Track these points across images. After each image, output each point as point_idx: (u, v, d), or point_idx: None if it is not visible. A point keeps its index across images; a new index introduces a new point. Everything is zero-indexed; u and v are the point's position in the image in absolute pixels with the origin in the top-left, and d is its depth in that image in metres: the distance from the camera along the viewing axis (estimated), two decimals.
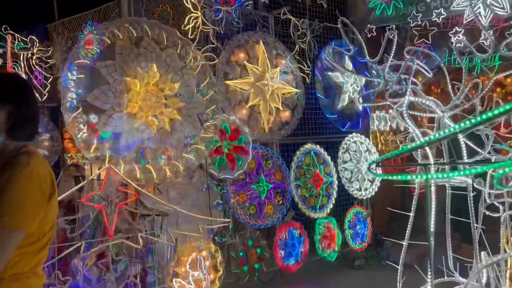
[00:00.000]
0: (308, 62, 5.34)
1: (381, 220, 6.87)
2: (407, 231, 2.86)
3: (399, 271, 2.82)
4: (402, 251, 2.94)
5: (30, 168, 1.54)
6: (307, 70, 5.31)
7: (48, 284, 2.72)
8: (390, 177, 3.76)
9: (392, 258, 5.97)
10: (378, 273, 5.57)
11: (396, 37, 2.97)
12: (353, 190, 5.82)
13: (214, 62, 4.33)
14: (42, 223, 1.60)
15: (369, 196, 6.04)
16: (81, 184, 2.87)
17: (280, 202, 4.93)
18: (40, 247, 1.63)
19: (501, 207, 3.12)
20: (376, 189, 6.14)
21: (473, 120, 1.12)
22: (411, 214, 2.74)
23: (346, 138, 5.83)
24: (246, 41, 4.67)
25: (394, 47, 2.92)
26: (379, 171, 4.52)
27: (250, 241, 4.66)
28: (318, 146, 5.50)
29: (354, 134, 5.93)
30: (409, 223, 2.91)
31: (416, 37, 5.85)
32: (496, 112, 1.03)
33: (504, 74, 3.11)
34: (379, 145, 6.85)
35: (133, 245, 2.78)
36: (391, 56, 2.90)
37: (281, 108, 4.88)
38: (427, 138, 1.35)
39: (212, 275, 4.25)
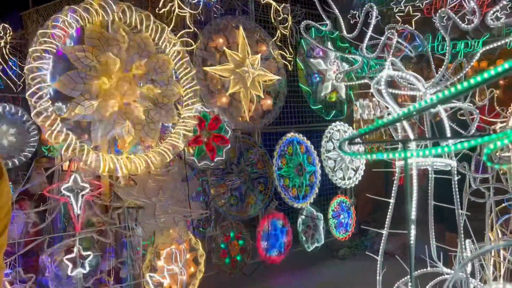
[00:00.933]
0: (290, 48, 5.20)
1: (365, 210, 6.83)
2: (387, 220, 2.75)
3: (379, 261, 2.72)
4: (382, 240, 2.83)
5: None
6: (289, 57, 5.17)
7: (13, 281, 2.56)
8: (364, 156, 3.67)
9: (376, 248, 5.94)
10: (362, 262, 5.52)
11: (375, 10, 2.83)
12: (336, 180, 5.75)
13: (192, 48, 4.16)
14: None
15: (353, 185, 5.97)
16: (46, 174, 2.70)
17: (263, 192, 4.81)
18: None
19: (486, 193, 3.05)
20: (360, 178, 6.08)
21: (453, 89, 1.01)
22: (391, 201, 2.63)
23: (330, 127, 5.74)
24: (225, 26, 4.50)
25: (373, 21, 2.78)
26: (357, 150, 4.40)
27: (232, 232, 4.55)
28: (301, 135, 5.39)
29: (337, 122, 5.84)
30: (389, 211, 2.80)
31: (400, 23, 5.76)
32: (478, 79, 0.93)
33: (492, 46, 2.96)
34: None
35: (102, 239, 2.63)
36: (370, 31, 2.75)
37: (263, 96, 4.75)
38: (404, 111, 1.23)
39: (192, 268, 4.13)
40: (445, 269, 2.59)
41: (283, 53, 5.10)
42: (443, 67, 2.42)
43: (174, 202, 3.96)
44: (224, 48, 4.44)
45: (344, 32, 2.93)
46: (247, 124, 4.66)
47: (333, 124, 5.78)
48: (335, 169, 5.75)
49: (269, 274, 4.94)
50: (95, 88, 3.30)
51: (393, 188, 2.34)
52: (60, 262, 2.58)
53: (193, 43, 4.20)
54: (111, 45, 3.40)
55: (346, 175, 5.84)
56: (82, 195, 2.65)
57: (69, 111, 3.20)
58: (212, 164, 4.29)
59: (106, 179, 3.07)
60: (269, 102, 4.85)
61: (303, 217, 5.31)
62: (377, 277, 2.74)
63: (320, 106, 5.50)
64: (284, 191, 5.06)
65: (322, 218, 5.55)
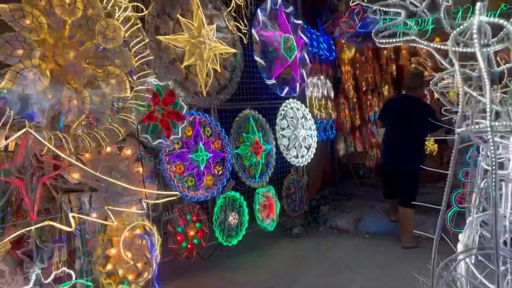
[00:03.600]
0: (245, 20, 4.93)
1: (314, 187, 6.87)
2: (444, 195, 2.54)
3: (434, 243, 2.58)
4: (438, 224, 2.63)
5: None
6: (244, 29, 4.91)
7: None
8: None
9: (329, 224, 6.01)
10: (316, 239, 5.54)
11: None
12: (290, 158, 5.66)
13: (143, 14, 3.75)
14: None
15: (306, 163, 5.93)
16: None
17: (220, 172, 4.58)
18: None
19: None
20: (312, 156, 6.05)
21: None
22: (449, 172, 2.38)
23: (284, 104, 5.61)
24: None
25: None
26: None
27: (189, 215, 4.28)
28: (257, 112, 5.20)
29: (291, 100, 5.72)
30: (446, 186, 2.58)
31: None
32: None
33: None
34: (315, 112, 6.76)
35: (64, 227, 2.25)
36: None
37: (219, 70, 4.46)
38: None
39: (148, 254, 3.83)
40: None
41: (238, 24, 4.82)
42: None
43: (127, 184, 3.60)
44: (178, 15, 4.07)
45: None
46: (204, 100, 4.36)
47: (287, 101, 5.66)
48: (289, 147, 5.66)
49: (226, 256, 4.77)
50: (35, 54, 2.83)
51: (451, 159, 2.12)
52: (5, 256, 2.17)
53: (144, 9, 3.78)
54: (54, 5, 2.93)
55: (299, 153, 5.77)
56: (37, 177, 2.24)
57: (6, 81, 2.71)
58: (168, 142, 3.96)
59: (50, 160, 2.66)
60: (226, 76, 4.58)
61: (259, 196, 5.18)
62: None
63: (275, 82, 5.32)
64: (241, 170, 4.87)
65: (276, 196, 5.46)
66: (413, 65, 9.82)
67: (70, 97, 3.04)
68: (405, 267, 4.42)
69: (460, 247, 1.98)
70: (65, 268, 2.45)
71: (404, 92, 5.27)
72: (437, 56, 1.93)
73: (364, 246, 5.17)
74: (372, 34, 2.14)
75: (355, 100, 9.74)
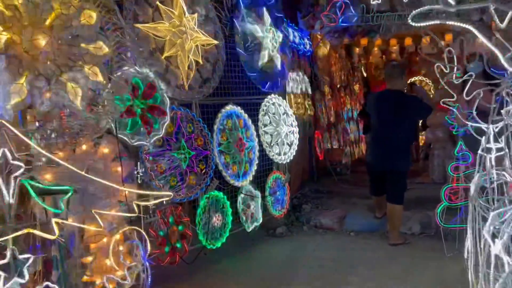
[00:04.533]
0: (226, 10, 4.68)
1: (295, 185, 6.71)
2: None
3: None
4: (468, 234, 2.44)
5: None
6: (224, 20, 4.66)
7: None
8: None
9: (313, 223, 5.85)
10: (302, 239, 5.38)
11: None
12: (273, 155, 5.46)
13: None
14: None
15: (288, 161, 5.75)
16: None
17: (203, 171, 4.31)
18: None
19: None
20: (294, 153, 5.88)
21: None
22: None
23: (266, 99, 5.41)
24: None
25: None
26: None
27: (171, 217, 3.99)
28: (239, 107, 4.96)
29: (272, 95, 5.53)
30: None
31: None
32: None
33: None
34: (294, 108, 6.60)
35: (47, 235, 1.92)
36: None
37: (201, 62, 4.19)
38: None
39: (128, 260, 3.51)
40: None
41: (218, 14, 4.56)
42: None
43: (104, 186, 3.28)
44: (158, 2, 3.77)
45: None
46: (186, 94, 4.08)
47: (269, 96, 5.46)
48: (272, 144, 5.46)
49: (210, 259, 4.50)
50: (2, 40, 2.48)
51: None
52: None
53: None
54: None
55: (282, 150, 5.58)
56: (15, 177, 1.91)
57: None
58: (148, 139, 3.66)
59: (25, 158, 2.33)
60: (208, 69, 4.31)
61: (243, 196, 4.94)
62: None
63: (257, 75, 5.10)
64: (225, 169, 4.62)
65: (260, 196, 5.24)
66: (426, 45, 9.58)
67: (42, 88, 2.70)
68: (397, 265, 4.31)
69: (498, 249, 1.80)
70: (48, 283, 2.12)
71: (387, 87, 5.17)
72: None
73: (352, 244, 5.04)
74: (409, 18, 1.96)
75: (329, 96, 9.69)
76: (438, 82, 5.91)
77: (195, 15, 4.13)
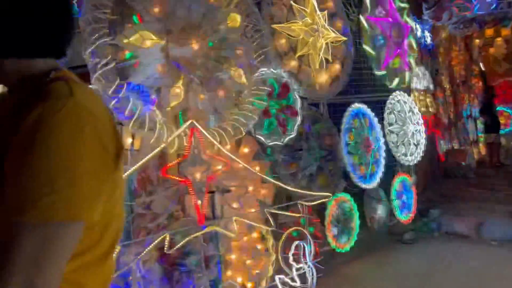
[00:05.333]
0: (353, 6, 4.52)
1: (419, 189, 6.27)
2: None
3: None
4: None
5: (74, 102, 0.75)
6: (352, 16, 4.49)
7: None
8: None
9: (444, 229, 5.40)
10: (434, 247, 4.97)
11: None
12: (399, 156, 5.15)
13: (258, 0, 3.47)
14: (107, 205, 0.81)
15: (415, 162, 5.39)
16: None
17: (332, 172, 4.19)
18: (105, 250, 0.83)
19: None
20: (422, 154, 5.49)
21: None
22: None
23: (391, 97, 5.12)
24: None
25: None
26: None
27: (303, 219, 3.94)
28: (366, 106, 4.76)
29: (397, 92, 5.22)
30: None
31: None
32: None
33: None
34: (418, 105, 6.18)
35: (227, 233, 1.95)
36: None
37: (331, 60, 4.08)
38: None
39: (263, 260, 3.54)
40: None
41: (346, 10, 4.42)
42: None
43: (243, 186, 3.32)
44: (291, 2, 3.75)
45: None
46: (316, 93, 4.01)
47: (394, 94, 5.16)
48: (398, 144, 5.15)
49: (341, 263, 4.36)
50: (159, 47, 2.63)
51: None
52: (152, 265, 1.95)
53: None
54: None
55: (408, 151, 5.24)
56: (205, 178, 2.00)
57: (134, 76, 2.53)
58: (282, 140, 3.65)
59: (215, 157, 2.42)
60: (337, 67, 4.19)
61: (369, 199, 4.72)
62: None
63: (385, 72, 4.85)
64: (353, 170, 4.45)
65: (386, 199, 4.97)
66: None
67: (197, 91, 2.81)
68: None
69: None
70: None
71: None
72: None
73: (495, 255, 4.52)
74: None
75: (449, 93, 8.95)
76: None
77: (325, 12, 4.04)
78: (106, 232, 0.81)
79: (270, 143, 3.59)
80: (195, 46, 2.80)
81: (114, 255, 0.86)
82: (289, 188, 2.94)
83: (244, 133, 3.13)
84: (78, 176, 0.72)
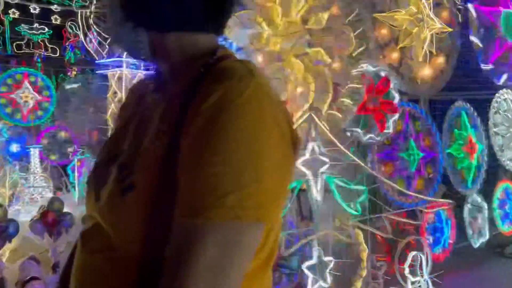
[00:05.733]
0: None
1: None
2: None
3: None
4: None
5: (257, 83, 0.64)
6: (458, 4, 4.08)
7: None
8: None
9: None
10: None
11: None
12: (504, 160, 4.63)
13: None
14: None
15: None
16: None
17: (431, 175, 3.85)
18: (266, 256, 0.71)
19: None
20: None
21: None
22: None
23: (497, 94, 4.60)
24: None
25: None
26: None
27: (396, 224, 3.66)
28: (469, 104, 4.32)
29: (504, 90, 4.68)
30: None
31: None
32: None
33: None
34: None
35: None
36: None
37: (434, 53, 3.73)
38: None
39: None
40: None
41: None
42: None
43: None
44: None
45: None
46: (417, 89, 3.69)
47: (501, 91, 4.64)
48: (503, 148, 4.63)
49: (432, 272, 4.01)
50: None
51: None
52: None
53: None
54: None
55: None
56: (322, 173, 1.89)
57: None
58: (379, 137, 3.40)
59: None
60: (440, 60, 3.83)
61: (469, 206, 4.29)
62: None
63: (492, 67, 4.36)
64: (453, 174, 4.06)
65: (487, 207, 4.50)
66: None
67: (295, 84, 2.68)
68: None
69: None
70: None
71: None
72: None
73: None
74: None
75: None
76: None
77: (430, 0, 3.69)
78: (269, 235, 0.69)
79: (367, 141, 3.36)
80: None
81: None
82: (405, 191, 2.69)
83: (341, 127, 2.94)
84: (264, 171, 0.61)
